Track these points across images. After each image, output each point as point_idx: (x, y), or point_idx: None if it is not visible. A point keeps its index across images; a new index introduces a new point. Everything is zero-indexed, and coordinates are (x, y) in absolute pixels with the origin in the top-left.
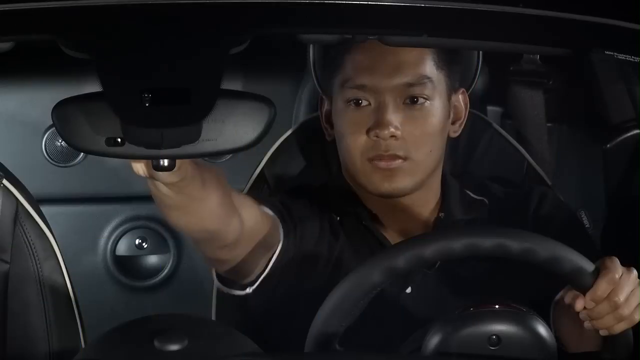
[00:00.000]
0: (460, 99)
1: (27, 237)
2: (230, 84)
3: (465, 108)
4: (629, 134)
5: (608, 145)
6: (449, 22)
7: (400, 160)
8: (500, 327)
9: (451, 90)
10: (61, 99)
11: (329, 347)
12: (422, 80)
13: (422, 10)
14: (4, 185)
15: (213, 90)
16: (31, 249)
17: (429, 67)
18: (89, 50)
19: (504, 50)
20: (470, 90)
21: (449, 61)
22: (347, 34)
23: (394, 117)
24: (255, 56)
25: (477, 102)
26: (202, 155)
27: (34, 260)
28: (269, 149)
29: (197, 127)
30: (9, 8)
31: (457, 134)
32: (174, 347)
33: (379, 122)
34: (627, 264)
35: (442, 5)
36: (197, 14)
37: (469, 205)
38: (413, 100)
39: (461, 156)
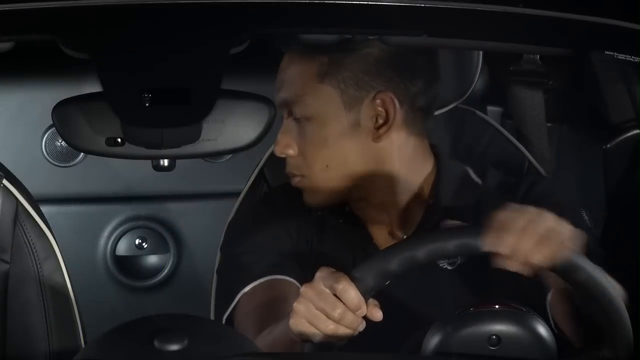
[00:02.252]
0: (379, 103)
1: (27, 237)
2: (230, 84)
3: (390, 112)
4: (629, 134)
5: (608, 145)
6: (449, 22)
7: (298, 178)
8: (500, 327)
9: (354, 100)
10: (61, 99)
11: (329, 347)
12: (298, 98)
13: (422, 10)
14: (4, 185)
15: (213, 90)
16: (31, 249)
17: (310, 83)
18: (89, 50)
19: (504, 50)
20: (470, 90)
21: (349, 71)
22: (347, 34)
23: (284, 136)
24: (255, 56)
25: (477, 102)
26: (202, 156)
27: (34, 260)
28: (268, 149)
29: (197, 127)
30: (9, 8)
31: (380, 140)
32: (174, 347)
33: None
34: (627, 264)
35: (442, 5)
36: (197, 14)
37: (464, 189)
38: (296, 118)
39: (462, 156)
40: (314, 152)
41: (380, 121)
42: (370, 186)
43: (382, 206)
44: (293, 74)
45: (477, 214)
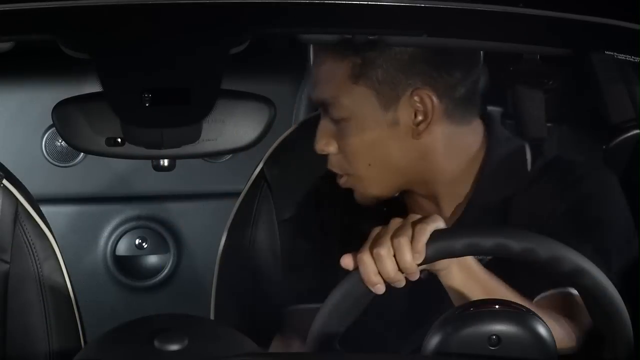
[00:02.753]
0: (417, 100)
1: (27, 237)
2: (230, 84)
3: (428, 108)
4: (629, 134)
5: (608, 145)
6: (449, 22)
7: (344, 178)
8: (500, 327)
9: (391, 99)
10: (61, 99)
11: (330, 347)
12: (333, 99)
13: (422, 10)
14: (4, 185)
15: (213, 90)
16: (31, 249)
17: (344, 85)
18: (89, 50)
19: (504, 50)
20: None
21: (383, 70)
22: (347, 34)
23: (324, 134)
24: (255, 56)
25: None
26: (202, 155)
27: (34, 260)
28: (268, 149)
29: (197, 127)
30: (9, 8)
31: (421, 137)
32: (174, 347)
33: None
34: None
35: (442, 5)
36: (197, 14)
37: (512, 177)
38: (333, 119)
39: None
40: (355, 152)
41: (420, 118)
42: (416, 179)
43: (429, 196)
44: (326, 74)
45: (520, 209)
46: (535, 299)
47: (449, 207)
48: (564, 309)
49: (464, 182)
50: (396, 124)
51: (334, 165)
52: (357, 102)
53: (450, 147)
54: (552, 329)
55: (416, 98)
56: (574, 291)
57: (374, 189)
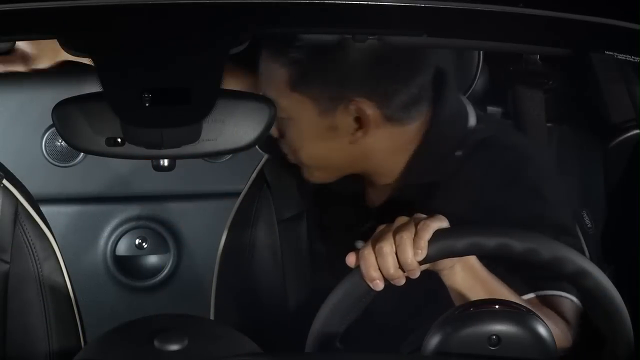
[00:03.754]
0: (354, 109)
1: (27, 237)
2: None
3: (365, 117)
4: (629, 134)
5: (608, 145)
6: (449, 22)
7: (292, 158)
8: (500, 327)
9: (328, 107)
10: (61, 99)
11: (330, 346)
12: (273, 100)
13: (422, 10)
14: (4, 185)
15: (213, 90)
16: (31, 249)
17: (282, 91)
18: (89, 51)
19: (504, 50)
20: (470, 90)
21: (321, 79)
22: (347, 34)
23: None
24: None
25: (477, 102)
26: (202, 155)
27: (34, 260)
28: None
29: (197, 127)
30: (9, 8)
31: (358, 142)
32: (174, 347)
33: None
34: (627, 264)
35: (442, 5)
36: (197, 14)
37: (437, 166)
38: None
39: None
40: (293, 147)
41: (357, 126)
42: (357, 170)
43: (367, 178)
44: (267, 78)
45: (447, 193)
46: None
47: (381, 188)
48: (556, 309)
49: (398, 167)
50: (334, 129)
51: (283, 147)
52: (294, 107)
53: (391, 147)
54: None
55: (353, 107)
56: (563, 293)
57: (314, 177)
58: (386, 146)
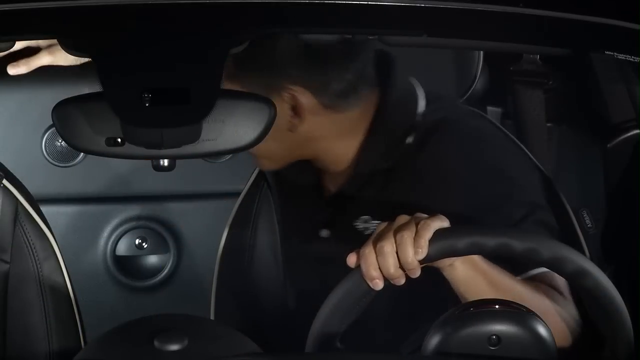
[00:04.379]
0: (289, 98)
1: (27, 237)
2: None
3: (300, 105)
4: (629, 134)
5: (608, 145)
6: (449, 22)
7: None
8: (500, 327)
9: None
10: (61, 99)
11: (330, 346)
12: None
13: (422, 10)
14: (4, 185)
15: (213, 90)
16: (31, 249)
17: (227, 81)
18: (89, 51)
19: (504, 50)
20: (470, 90)
21: (254, 70)
22: (347, 34)
23: None
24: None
25: (477, 102)
26: (202, 155)
27: (34, 260)
28: None
29: (197, 127)
30: (9, 8)
31: (297, 130)
32: (174, 347)
33: None
34: (627, 264)
35: (442, 5)
36: (197, 14)
37: (389, 153)
38: None
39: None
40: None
41: (294, 114)
42: (303, 156)
43: (321, 169)
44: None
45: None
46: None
47: (335, 176)
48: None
49: (349, 154)
50: None
51: None
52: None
53: (334, 134)
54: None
55: (288, 96)
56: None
57: (262, 165)
58: (328, 133)
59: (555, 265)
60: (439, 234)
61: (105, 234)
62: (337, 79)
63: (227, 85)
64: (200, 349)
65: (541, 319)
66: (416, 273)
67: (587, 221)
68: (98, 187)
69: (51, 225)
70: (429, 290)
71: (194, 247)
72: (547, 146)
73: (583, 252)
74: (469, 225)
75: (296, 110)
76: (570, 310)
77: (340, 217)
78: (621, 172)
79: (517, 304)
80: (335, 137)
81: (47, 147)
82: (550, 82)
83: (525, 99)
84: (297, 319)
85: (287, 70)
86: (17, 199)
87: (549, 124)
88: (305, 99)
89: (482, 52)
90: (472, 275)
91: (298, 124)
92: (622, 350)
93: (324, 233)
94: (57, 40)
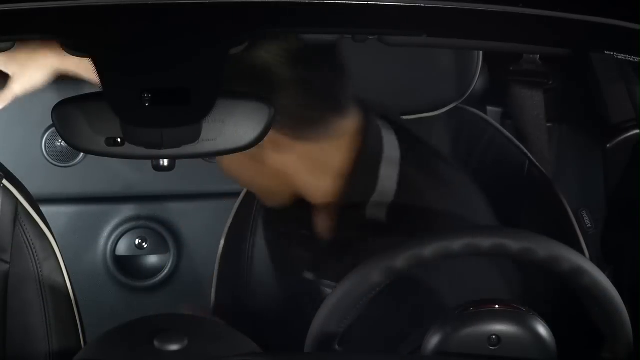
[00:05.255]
0: None
1: (27, 237)
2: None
3: (267, 139)
4: (629, 134)
5: (608, 145)
6: (449, 22)
7: None
8: (500, 327)
9: None
10: (61, 99)
11: (329, 347)
12: None
13: (422, 10)
14: (4, 185)
15: (213, 90)
16: (31, 249)
17: None
18: (90, 51)
19: (504, 50)
20: (470, 90)
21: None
22: (347, 34)
23: None
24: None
25: (477, 102)
26: (202, 155)
27: (34, 260)
28: None
29: (197, 127)
30: (9, 8)
31: (273, 165)
32: (174, 347)
33: None
34: (627, 264)
35: (442, 5)
36: (197, 14)
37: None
38: None
39: (462, 155)
40: (231, 176)
41: (264, 147)
42: (293, 192)
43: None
44: None
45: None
46: None
47: (322, 212)
48: None
49: (329, 189)
50: (247, 153)
51: None
52: None
53: (309, 164)
54: None
55: None
56: None
57: (265, 202)
58: (304, 165)
59: (552, 264)
60: (433, 236)
61: (105, 234)
62: (294, 107)
63: None
64: (200, 349)
65: (541, 319)
66: None
67: (587, 221)
68: (98, 187)
69: (51, 225)
70: (428, 291)
71: (194, 247)
72: (547, 146)
73: (582, 252)
74: (464, 227)
75: (265, 144)
76: None
77: (325, 261)
78: (621, 172)
79: (517, 304)
80: (312, 170)
81: (47, 147)
82: (550, 82)
83: (525, 99)
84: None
85: None
86: (17, 199)
87: (549, 124)
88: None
89: (482, 52)
90: None
91: (273, 158)
92: (622, 350)
93: (309, 275)
94: (57, 40)
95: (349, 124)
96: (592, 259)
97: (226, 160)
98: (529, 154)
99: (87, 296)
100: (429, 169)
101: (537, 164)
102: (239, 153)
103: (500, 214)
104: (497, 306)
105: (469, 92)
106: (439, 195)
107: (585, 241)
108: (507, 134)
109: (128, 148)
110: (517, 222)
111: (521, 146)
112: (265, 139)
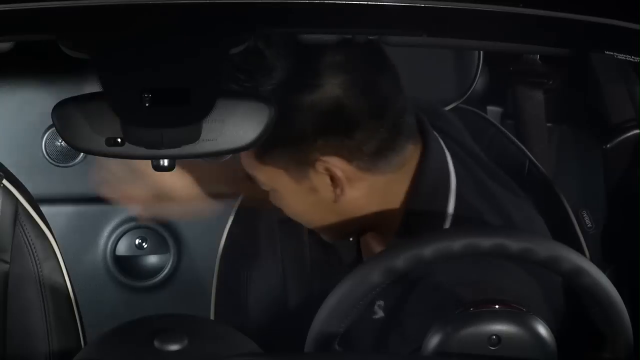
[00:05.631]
0: (324, 170)
1: (27, 237)
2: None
3: (336, 175)
4: (629, 134)
5: (608, 145)
6: (449, 22)
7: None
8: (500, 327)
9: (300, 173)
10: (61, 99)
11: (329, 347)
12: (252, 175)
13: (422, 10)
14: (4, 185)
15: (213, 90)
16: (31, 249)
17: (255, 165)
18: (89, 50)
19: (504, 50)
20: (470, 90)
21: (282, 147)
22: (347, 34)
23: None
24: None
25: (477, 102)
26: (202, 155)
27: (34, 260)
28: None
29: (197, 127)
30: (9, 8)
31: (340, 199)
32: (174, 347)
33: None
34: (627, 264)
35: (442, 5)
36: (197, 14)
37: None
38: None
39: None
40: (290, 214)
41: (334, 184)
42: (359, 226)
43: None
44: (241, 156)
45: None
46: None
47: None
48: None
49: (393, 223)
50: (315, 192)
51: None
52: (271, 179)
53: (377, 198)
54: None
55: (322, 167)
56: None
57: (326, 238)
58: (373, 199)
59: (552, 264)
60: (434, 236)
61: (105, 234)
62: (367, 141)
63: (256, 168)
64: (200, 349)
65: (541, 319)
66: None
67: (587, 221)
68: None
69: (51, 225)
70: (429, 291)
71: (194, 247)
72: (547, 146)
73: (582, 252)
74: (464, 226)
75: (334, 180)
76: None
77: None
78: (621, 172)
79: (517, 304)
80: (380, 203)
81: (47, 147)
82: (550, 82)
83: (525, 99)
84: (297, 318)
85: (313, 141)
86: (17, 199)
87: (549, 124)
88: (340, 165)
89: (482, 52)
90: None
91: (341, 194)
92: (622, 350)
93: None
94: (57, 40)
95: (413, 148)
96: (592, 259)
97: (283, 199)
98: (529, 154)
99: (87, 296)
100: (486, 191)
101: (537, 163)
102: (307, 198)
103: None
104: (497, 306)
105: (469, 92)
106: (498, 222)
107: (585, 241)
108: (508, 133)
109: (128, 148)
110: None
111: (521, 146)
112: (341, 173)
